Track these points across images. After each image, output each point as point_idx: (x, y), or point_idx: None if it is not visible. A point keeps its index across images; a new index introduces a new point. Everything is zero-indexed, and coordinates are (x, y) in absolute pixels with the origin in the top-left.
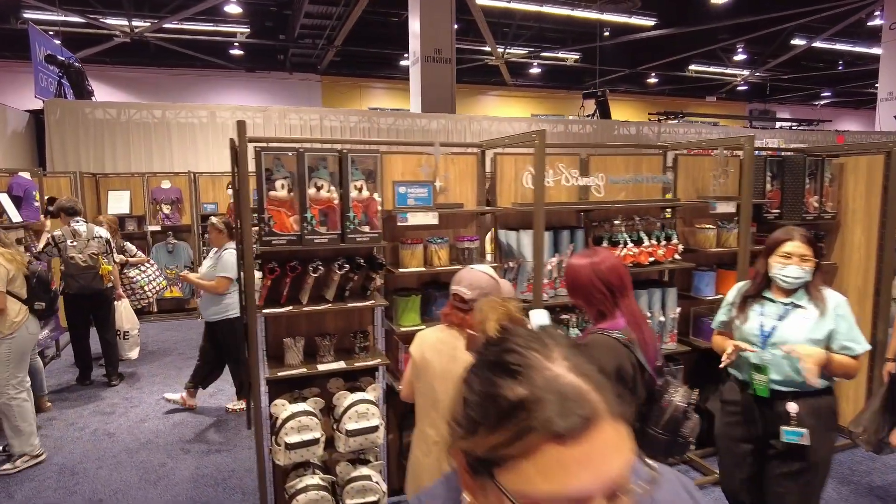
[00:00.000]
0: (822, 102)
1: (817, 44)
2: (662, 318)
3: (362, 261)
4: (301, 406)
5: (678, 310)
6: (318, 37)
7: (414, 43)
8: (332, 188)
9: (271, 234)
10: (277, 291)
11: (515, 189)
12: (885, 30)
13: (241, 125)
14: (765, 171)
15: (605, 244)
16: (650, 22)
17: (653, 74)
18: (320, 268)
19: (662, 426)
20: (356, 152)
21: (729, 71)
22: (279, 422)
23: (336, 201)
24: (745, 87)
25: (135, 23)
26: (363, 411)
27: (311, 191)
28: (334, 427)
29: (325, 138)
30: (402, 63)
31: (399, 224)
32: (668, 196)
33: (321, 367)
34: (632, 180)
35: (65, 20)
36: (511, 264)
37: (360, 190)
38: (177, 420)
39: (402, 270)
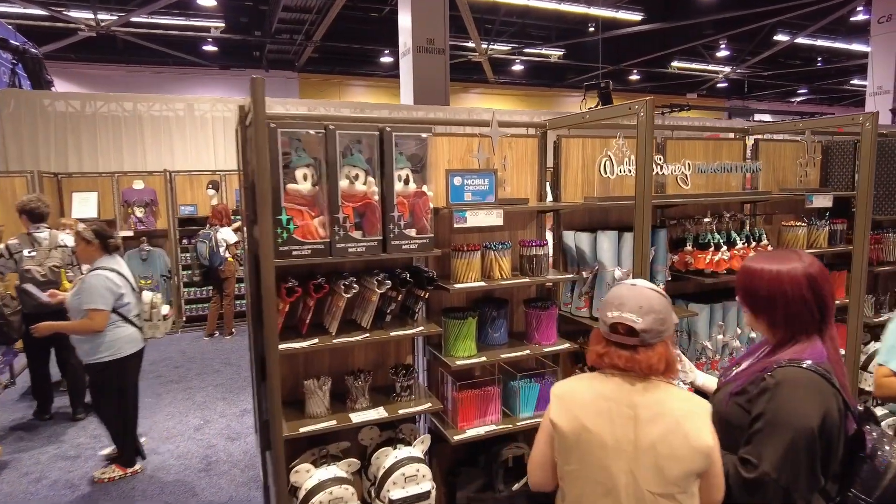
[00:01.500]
0: (798, 99)
1: (799, 40)
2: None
3: (407, 275)
4: (331, 471)
5: None
6: (297, 32)
7: (405, 33)
8: (370, 179)
9: (291, 241)
10: (296, 318)
11: (584, 180)
12: (873, 24)
13: (255, 87)
14: (853, 158)
15: (688, 246)
16: (637, 17)
17: (635, 71)
18: (355, 286)
19: (879, 496)
20: (399, 130)
21: (711, 67)
22: (303, 494)
23: (375, 197)
24: (725, 84)
25: (101, 16)
26: (411, 473)
27: (344, 183)
28: (371, 493)
29: (356, 115)
30: (384, 60)
31: (456, 226)
32: (756, 189)
33: (355, 418)
34: (721, 169)
35: (25, 12)
36: (585, 274)
37: (405, 182)
38: (155, 463)
39: (458, 286)
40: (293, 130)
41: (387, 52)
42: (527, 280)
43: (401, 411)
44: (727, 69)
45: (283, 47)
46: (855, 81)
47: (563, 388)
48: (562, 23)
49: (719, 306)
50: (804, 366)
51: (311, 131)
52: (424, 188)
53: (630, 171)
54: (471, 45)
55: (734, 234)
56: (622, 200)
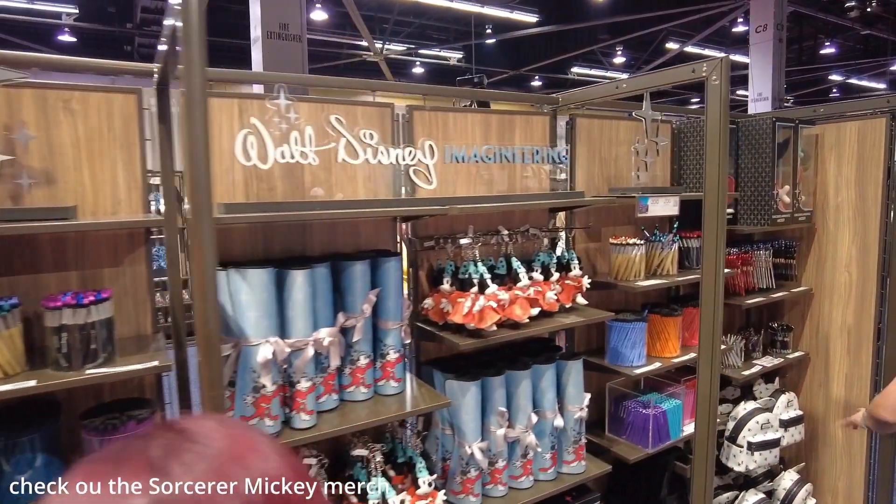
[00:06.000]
0: (692, 106)
1: (688, 48)
2: (560, 423)
3: None
4: None
5: (587, 399)
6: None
7: (254, 18)
8: None
9: None
10: None
11: (232, 170)
12: (752, 33)
13: None
14: None
15: (446, 283)
16: (532, 18)
17: (536, 77)
18: None
19: None
20: None
21: (609, 74)
22: None
23: None
24: None
25: None
26: None
27: None
28: None
29: None
30: None
31: None
32: (568, 189)
33: None
34: (496, 156)
35: None
36: (225, 351)
37: None
38: None
39: None
40: None
41: None
42: (31, 384)
43: None
44: (624, 76)
45: (156, 41)
46: (740, 91)
47: None
48: (460, 24)
49: (498, 381)
50: None
51: None
52: None
53: (309, 155)
54: (365, 43)
55: (517, 263)
56: (286, 211)
